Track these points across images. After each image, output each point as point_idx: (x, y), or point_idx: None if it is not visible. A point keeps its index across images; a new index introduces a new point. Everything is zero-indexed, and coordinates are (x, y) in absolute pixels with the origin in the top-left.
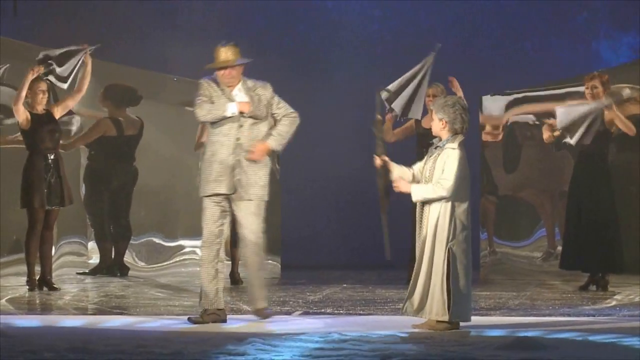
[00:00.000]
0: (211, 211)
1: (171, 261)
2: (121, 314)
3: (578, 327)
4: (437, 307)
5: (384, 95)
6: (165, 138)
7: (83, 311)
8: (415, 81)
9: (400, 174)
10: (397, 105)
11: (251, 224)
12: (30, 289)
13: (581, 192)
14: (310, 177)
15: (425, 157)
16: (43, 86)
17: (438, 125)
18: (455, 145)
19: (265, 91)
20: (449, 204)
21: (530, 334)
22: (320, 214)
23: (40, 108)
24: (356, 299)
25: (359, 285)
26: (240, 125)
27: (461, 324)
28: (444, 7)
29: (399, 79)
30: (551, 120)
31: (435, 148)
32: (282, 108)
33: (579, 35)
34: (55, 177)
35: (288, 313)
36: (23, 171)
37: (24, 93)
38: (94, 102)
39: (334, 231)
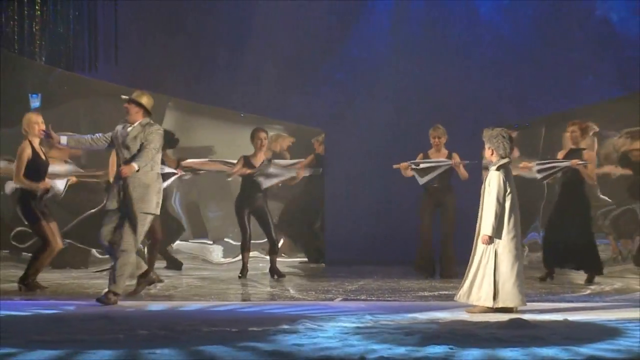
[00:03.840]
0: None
1: (238, 258)
2: (199, 300)
3: (560, 311)
4: (484, 295)
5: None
6: None
7: (168, 298)
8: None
9: None
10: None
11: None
12: None
13: (564, 209)
14: (351, 190)
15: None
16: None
17: (488, 152)
18: (495, 167)
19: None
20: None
21: (522, 316)
22: (358, 220)
23: None
24: (385, 288)
25: (387, 277)
26: None
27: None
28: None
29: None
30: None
31: (487, 170)
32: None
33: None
34: None
35: (331, 299)
36: None
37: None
38: None
39: (368, 234)
